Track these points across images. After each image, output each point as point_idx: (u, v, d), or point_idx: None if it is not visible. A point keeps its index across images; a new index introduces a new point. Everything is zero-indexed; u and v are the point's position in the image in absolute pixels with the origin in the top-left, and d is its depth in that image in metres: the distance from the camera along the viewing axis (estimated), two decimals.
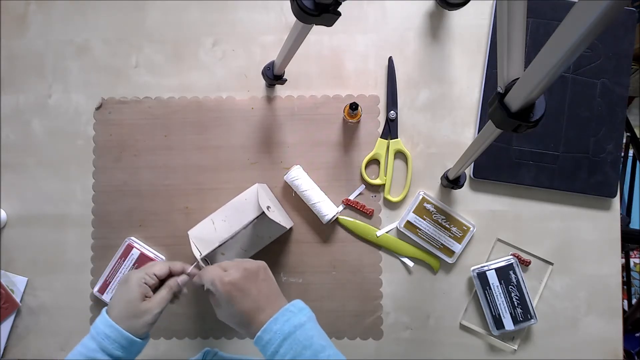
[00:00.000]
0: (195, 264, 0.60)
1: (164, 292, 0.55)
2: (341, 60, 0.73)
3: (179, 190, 0.72)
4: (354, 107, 0.67)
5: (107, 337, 0.51)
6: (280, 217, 0.65)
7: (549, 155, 0.70)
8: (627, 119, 0.96)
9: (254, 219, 0.64)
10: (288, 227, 0.67)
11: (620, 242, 0.71)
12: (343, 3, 0.47)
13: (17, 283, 0.71)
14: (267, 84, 0.72)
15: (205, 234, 0.65)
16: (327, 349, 0.48)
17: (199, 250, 0.64)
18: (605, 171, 0.70)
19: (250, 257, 0.60)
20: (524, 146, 0.70)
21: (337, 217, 0.71)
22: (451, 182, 0.67)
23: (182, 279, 0.57)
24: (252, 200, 0.65)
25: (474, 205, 0.72)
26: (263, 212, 0.61)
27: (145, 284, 0.54)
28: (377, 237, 0.71)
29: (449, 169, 0.66)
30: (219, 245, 0.63)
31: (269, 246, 0.69)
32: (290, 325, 0.48)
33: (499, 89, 0.41)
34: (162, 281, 0.57)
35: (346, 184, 0.72)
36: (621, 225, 0.71)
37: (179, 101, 0.73)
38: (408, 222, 0.70)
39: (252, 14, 0.74)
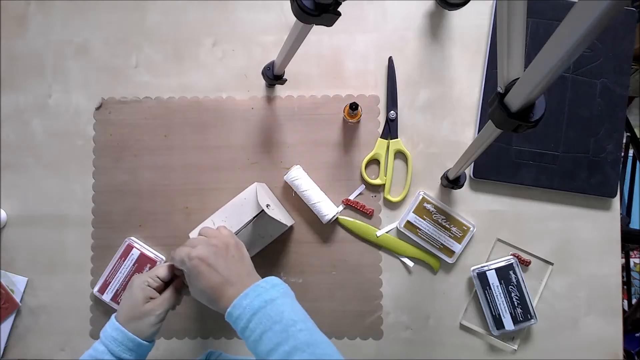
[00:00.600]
0: None
1: (167, 293, 0.56)
2: (341, 60, 0.73)
3: (179, 190, 0.72)
4: (354, 107, 0.67)
5: (114, 339, 0.52)
6: (281, 214, 0.65)
7: (549, 155, 0.70)
8: (627, 119, 0.96)
9: (253, 217, 0.64)
10: (289, 224, 0.67)
11: (620, 242, 0.71)
12: (343, 3, 0.47)
13: (17, 283, 0.71)
14: (267, 84, 0.72)
15: None
16: (298, 323, 0.47)
17: None
18: (605, 171, 0.70)
19: (252, 257, 0.61)
20: (524, 146, 0.70)
21: (337, 217, 0.71)
22: (451, 182, 0.67)
23: None
24: (251, 199, 0.65)
25: (474, 205, 0.72)
26: (262, 210, 0.61)
27: (149, 286, 0.55)
28: (377, 237, 0.71)
29: (449, 169, 0.66)
30: None
31: (268, 246, 0.69)
32: (261, 300, 0.47)
33: (499, 89, 0.41)
34: (167, 283, 0.58)
35: (346, 184, 0.72)
36: (621, 225, 0.71)
37: (179, 101, 0.73)
38: (408, 222, 0.70)
39: (252, 14, 0.74)
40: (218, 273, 0.50)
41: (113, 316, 0.55)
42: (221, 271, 0.50)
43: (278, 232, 0.69)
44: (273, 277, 0.51)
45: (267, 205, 0.62)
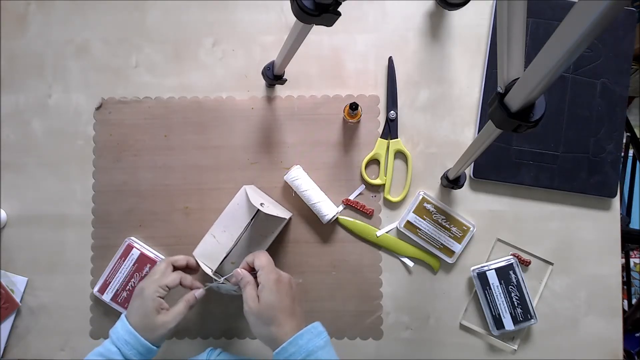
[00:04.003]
0: (207, 286, 0.63)
1: (181, 307, 0.59)
2: (341, 60, 0.73)
3: (179, 190, 0.72)
4: (354, 107, 0.67)
5: (126, 342, 0.55)
6: (276, 210, 0.65)
7: (549, 155, 0.70)
8: (627, 119, 0.96)
9: (251, 219, 0.64)
10: (287, 217, 0.67)
11: (620, 242, 0.71)
12: (343, 3, 0.47)
13: (17, 283, 0.71)
14: (267, 84, 0.72)
15: (210, 250, 0.65)
16: None
17: (209, 266, 0.64)
18: (605, 171, 0.70)
19: None
20: (524, 146, 0.70)
21: (337, 217, 0.71)
22: (451, 182, 0.67)
23: (200, 292, 0.61)
24: (244, 203, 0.65)
25: (474, 205, 0.72)
26: (258, 210, 0.62)
27: (159, 297, 0.58)
28: (377, 237, 0.71)
29: (449, 169, 0.66)
30: (226, 256, 0.64)
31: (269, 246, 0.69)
32: (313, 344, 0.53)
33: (499, 89, 0.41)
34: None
35: (346, 184, 0.72)
36: (621, 225, 0.71)
37: (179, 101, 0.73)
38: (408, 222, 0.70)
39: (252, 14, 0.74)
40: (292, 299, 0.56)
41: (124, 317, 0.58)
42: (294, 301, 0.56)
43: (278, 227, 0.68)
44: (318, 323, 0.56)
45: (261, 204, 0.62)
